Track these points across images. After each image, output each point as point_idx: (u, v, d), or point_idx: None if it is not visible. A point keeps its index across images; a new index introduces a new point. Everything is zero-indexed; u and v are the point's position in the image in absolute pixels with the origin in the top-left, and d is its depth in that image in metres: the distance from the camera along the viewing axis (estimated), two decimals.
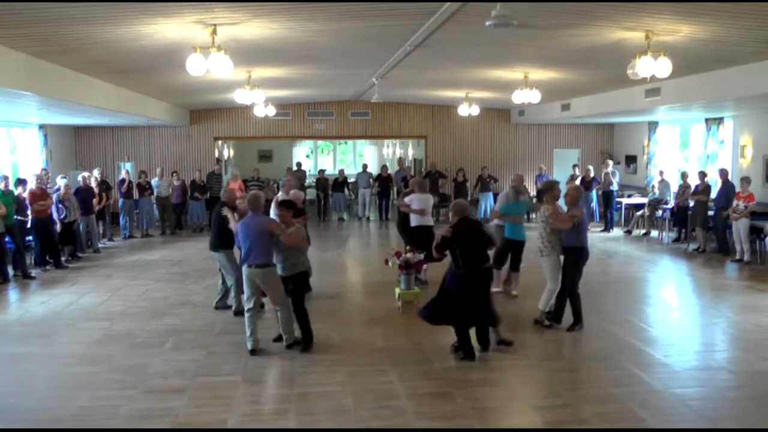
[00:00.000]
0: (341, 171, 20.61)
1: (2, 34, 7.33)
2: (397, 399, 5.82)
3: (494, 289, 8.34)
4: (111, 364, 6.76)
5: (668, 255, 13.34)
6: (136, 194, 16.21)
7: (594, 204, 17.16)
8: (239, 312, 8.00)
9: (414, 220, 10.03)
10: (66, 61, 9.36)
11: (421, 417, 5.45)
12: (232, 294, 8.64)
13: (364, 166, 20.81)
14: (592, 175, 17.08)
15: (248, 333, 7.03)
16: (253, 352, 6.98)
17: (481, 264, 6.82)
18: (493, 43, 8.72)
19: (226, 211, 8.29)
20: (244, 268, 7.01)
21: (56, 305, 9.31)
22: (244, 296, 7.21)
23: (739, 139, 14.39)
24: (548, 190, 8.06)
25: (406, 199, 10.18)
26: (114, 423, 5.37)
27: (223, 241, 8.38)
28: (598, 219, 17.38)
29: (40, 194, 11.89)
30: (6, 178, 11.30)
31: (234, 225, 7.77)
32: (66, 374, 6.52)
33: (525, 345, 7.29)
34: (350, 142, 28.42)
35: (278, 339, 7.28)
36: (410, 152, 24.66)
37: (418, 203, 10.01)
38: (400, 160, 22.02)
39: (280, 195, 9.41)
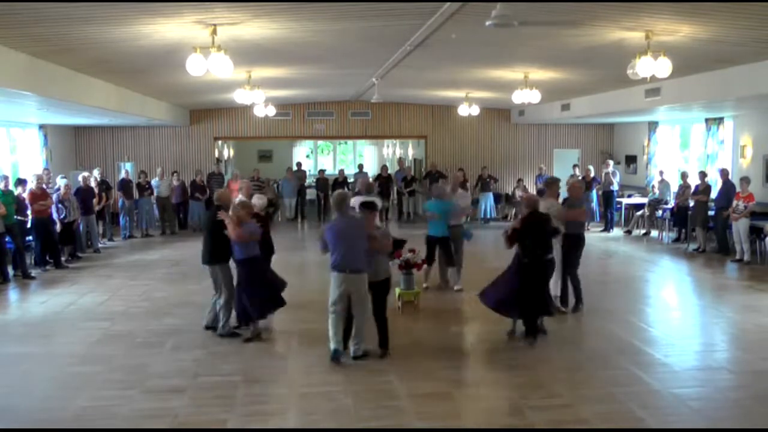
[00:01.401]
0: (341, 171, 20.60)
1: (2, 34, 7.33)
2: (397, 399, 5.82)
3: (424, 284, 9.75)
4: (111, 364, 6.76)
5: (668, 255, 13.34)
6: (136, 194, 16.20)
7: (594, 204, 17.16)
8: (227, 334, 7.59)
9: None
10: (66, 61, 9.35)
11: (421, 417, 5.45)
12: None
13: (360, 167, 20.84)
14: (592, 174, 17.08)
15: (332, 333, 6.71)
16: (336, 352, 6.67)
17: (544, 255, 7.36)
18: (493, 43, 8.72)
19: (222, 215, 7.36)
20: (335, 274, 6.66)
21: (56, 305, 9.31)
22: (330, 300, 6.78)
23: (739, 139, 14.39)
24: (549, 186, 8.88)
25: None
26: (114, 423, 5.37)
27: (219, 252, 7.52)
28: (598, 219, 17.37)
29: (40, 194, 11.88)
30: (6, 178, 11.30)
31: (232, 231, 7.19)
32: (66, 374, 6.52)
33: (525, 345, 7.28)
34: (350, 142, 28.41)
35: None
36: (410, 152, 24.65)
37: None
38: (400, 160, 22.02)
39: (239, 199, 8.51)
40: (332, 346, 6.73)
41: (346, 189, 19.72)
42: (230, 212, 7.48)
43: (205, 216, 8.17)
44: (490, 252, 14.00)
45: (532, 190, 18.60)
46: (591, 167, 17.45)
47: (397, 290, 9.04)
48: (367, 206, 7.24)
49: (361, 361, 6.71)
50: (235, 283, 7.57)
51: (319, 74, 12.39)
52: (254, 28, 7.47)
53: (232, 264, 7.65)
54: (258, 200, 8.55)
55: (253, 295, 7.36)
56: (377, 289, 6.91)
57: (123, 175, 16.33)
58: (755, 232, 12.11)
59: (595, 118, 17.13)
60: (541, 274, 7.36)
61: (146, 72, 10.91)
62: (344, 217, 6.80)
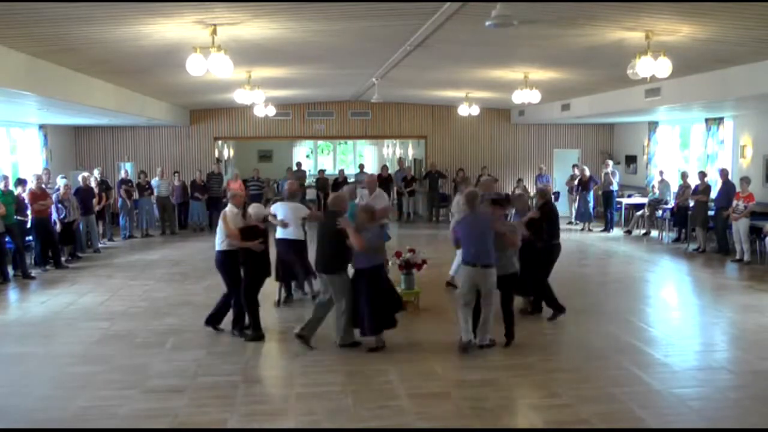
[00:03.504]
0: (341, 171, 20.62)
1: (2, 34, 7.32)
2: (397, 399, 5.82)
3: None
4: (111, 364, 6.76)
5: (668, 255, 13.34)
6: (135, 194, 16.20)
7: (591, 204, 17.18)
8: (349, 344, 7.20)
9: (278, 232, 8.83)
10: (66, 61, 9.35)
11: (421, 417, 5.45)
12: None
13: (361, 167, 20.85)
14: (587, 174, 17.11)
15: (462, 324, 7.06)
16: (469, 343, 7.00)
17: (557, 239, 8.39)
18: (493, 43, 8.72)
19: (344, 223, 6.94)
20: (466, 268, 7.01)
21: (56, 305, 9.31)
22: (459, 291, 7.21)
23: (739, 139, 14.39)
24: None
25: (272, 208, 9.01)
26: (114, 423, 5.37)
27: (337, 260, 7.10)
28: (593, 218, 17.34)
29: (40, 194, 11.88)
30: (6, 178, 11.30)
31: (356, 239, 6.81)
32: (66, 374, 6.52)
33: (525, 345, 7.29)
34: (350, 142, 28.41)
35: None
36: (410, 152, 24.65)
37: (284, 212, 8.77)
38: (400, 160, 22.02)
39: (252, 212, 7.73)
40: (464, 337, 7.02)
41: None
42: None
43: (319, 222, 7.65)
44: None
45: (532, 190, 18.65)
46: (586, 167, 17.49)
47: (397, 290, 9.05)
48: (495, 202, 7.43)
49: (486, 350, 7.07)
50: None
51: (319, 74, 12.39)
52: (254, 28, 7.47)
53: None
54: (254, 209, 7.72)
55: (375, 305, 6.94)
56: (505, 282, 7.21)
57: (122, 175, 16.35)
58: (755, 232, 12.11)
59: (595, 118, 17.13)
60: (556, 256, 8.44)
61: (146, 72, 10.91)
62: (475, 213, 7.16)
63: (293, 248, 8.76)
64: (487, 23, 6.03)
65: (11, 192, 11.39)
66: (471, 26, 7.45)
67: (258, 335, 7.46)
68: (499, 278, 7.10)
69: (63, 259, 12.32)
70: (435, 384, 6.20)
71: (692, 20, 6.98)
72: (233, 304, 7.68)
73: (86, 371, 6.55)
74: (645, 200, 16.37)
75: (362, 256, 6.90)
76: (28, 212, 11.74)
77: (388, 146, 27.91)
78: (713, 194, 13.39)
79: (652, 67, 7.66)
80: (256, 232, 7.44)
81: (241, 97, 11.76)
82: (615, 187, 16.86)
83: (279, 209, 8.86)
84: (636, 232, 16.16)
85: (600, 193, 17.30)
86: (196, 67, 7.38)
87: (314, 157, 29.09)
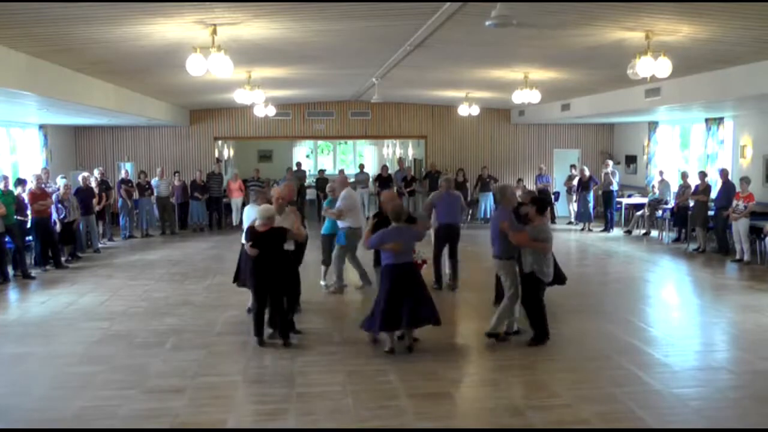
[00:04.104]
0: (341, 171, 20.58)
1: (2, 34, 7.32)
2: (397, 399, 5.82)
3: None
4: (111, 364, 6.76)
5: (668, 255, 13.34)
6: (136, 194, 16.21)
7: (591, 204, 17.18)
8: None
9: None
10: (66, 61, 9.35)
11: (421, 417, 5.45)
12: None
13: (361, 167, 20.86)
14: (587, 174, 17.12)
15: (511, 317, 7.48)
16: (515, 333, 7.51)
17: None
18: (493, 43, 8.72)
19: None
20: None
21: (56, 305, 9.31)
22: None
23: (739, 139, 14.39)
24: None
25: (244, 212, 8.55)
26: (114, 423, 5.37)
27: (377, 255, 7.50)
28: (593, 218, 17.33)
29: (40, 194, 11.88)
30: (6, 178, 11.29)
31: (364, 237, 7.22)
32: (66, 374, 6.51)
33: (524, 345, 7.29)
34: (350, 142, 28.40)
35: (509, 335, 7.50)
36: (410, 152, 24.65)
37: (252, 215, 7.82)
38: (400, 160, 22.01)
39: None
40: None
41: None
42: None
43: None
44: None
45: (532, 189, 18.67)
46: (585, 167, 17.50)
47: None
48: (535, 202, 7.51)
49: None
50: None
51: (319, 74, 12.39)
52: (254, 28, 7.47)
53: None
54: (260, 212, 7.27)
55: (386, 304, 6.88)
56: (524, 280, 7.31)
57: (122, 174, 16.36)
58: (755, 232, 12.11)
59: (595, 118, 17.13)
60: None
61: (146, 72, 10.91)
62: (499, 209, 7.68)
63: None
64: (487, 23, 6.03)
65: (11, 192, 11.38)
66: (471, 26, 7.45)
67: (258, 340, 7.42)
68: (521, 274, 7.34)
69: (63, 259, 12.31)
70: (435, 384, 6.19)
71: (692, 20, 6.98)
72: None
73: (86, 371, 6.55)
74: (645, 200, 16.38)
75: (383, 253, 7.12)
76: (28, 212, 11.73)
77: (388, 146, 27.90)
78: (713, 194, 13.39)
79: (652, 67, 7.67)
80: (253, 234, 7.25)
81: (241, 97, 11.76)
82: (615, 187, 16.86)
83: (251, 212, 8.25)
84: (636, 232, 16.16)
85: (600, 193, 17.31)
86: (196, 67, 7.38)
87: (314, 157, 29.08)
